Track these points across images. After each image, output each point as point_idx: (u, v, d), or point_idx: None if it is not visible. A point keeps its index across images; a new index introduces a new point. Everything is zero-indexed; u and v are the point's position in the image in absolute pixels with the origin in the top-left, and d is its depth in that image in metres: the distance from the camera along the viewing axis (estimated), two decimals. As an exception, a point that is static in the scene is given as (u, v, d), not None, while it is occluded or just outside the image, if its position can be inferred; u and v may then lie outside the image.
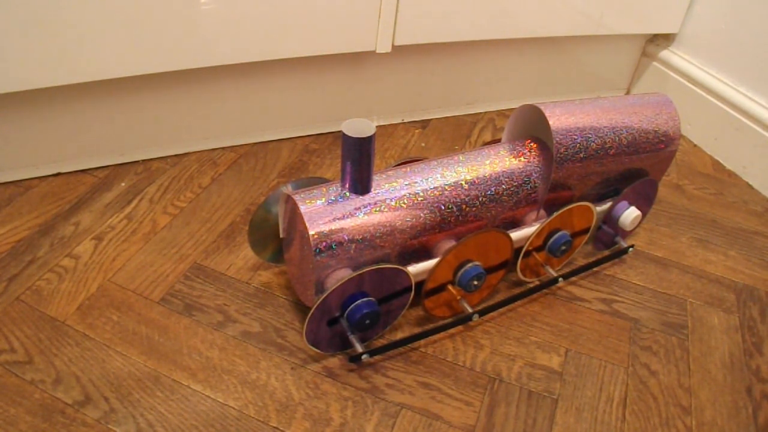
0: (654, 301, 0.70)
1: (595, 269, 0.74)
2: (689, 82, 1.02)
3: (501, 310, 0.67)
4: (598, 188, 0.68)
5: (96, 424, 0.52)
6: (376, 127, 0.81)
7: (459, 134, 0.97)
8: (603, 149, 0.64)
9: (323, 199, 0.55)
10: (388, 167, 0.61)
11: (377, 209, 0.56)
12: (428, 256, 0.61)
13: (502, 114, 1.04)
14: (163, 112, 0.80)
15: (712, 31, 0.98)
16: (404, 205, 0.57)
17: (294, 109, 0.88)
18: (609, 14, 0.95)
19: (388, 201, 0.57)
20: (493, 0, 0.85)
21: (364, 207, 0.56)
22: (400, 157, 0.89)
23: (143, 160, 0.82)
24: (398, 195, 0.58)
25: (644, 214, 0.73)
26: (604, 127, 0.65)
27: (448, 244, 0.61)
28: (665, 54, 1.06)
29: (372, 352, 0.58)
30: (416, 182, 0.59)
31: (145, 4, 0.67)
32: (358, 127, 0.52)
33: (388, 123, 0.97)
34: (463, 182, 0.60)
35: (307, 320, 0.54)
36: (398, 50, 0.86)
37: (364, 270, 0.54)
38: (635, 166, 0.69)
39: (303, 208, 0.54)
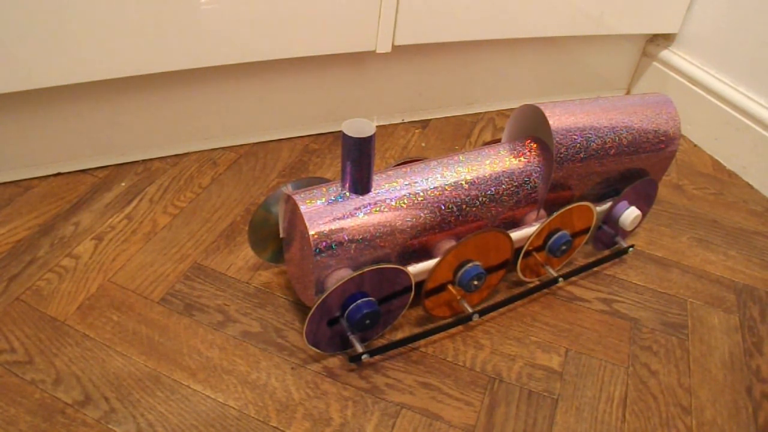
0: (654, 301, 0.70)
1: (595, 269, 0.74)
2: (689, 82, 1.02)
3: (501, 310, 0.67)
4: (598, 188, 0.68)
5: (96, 424, 0.52)
6: (376, 127, 0.81)
7: (459, 134, 0.97)
8: (603, 149, 0.64)
9: (323, 199, 0.55)
10: (388, 167, 0.61)
11: (377, 209, 0.56)
12: (428, 256, 0.61)
13: (502, 114, 1.04)
14: (163, 112, 0.80)
15: (712, 31, 0.98)
16: (404, 205, 0.57)
17: (294, 109, 0.88)
18: (609, 14, 0.95)
19: (388, 201, 0.57)
20: (493, 0, 0.85)
21: (364, 207, 0.56)
22: (400, 157, 0.89)
23: (143, 160, 0.82)
24: (398, 195, 0.58)
25: (644, 214, 0.73)
26: (604, 127, 0.65)
27: (448, 244, 0.61)
28: (665, 54, 1.06)
29: (372, 352, 0.58)
30: (416, 182, 0.59)
31: (145, 4, 0.67)
32: (358, 127, 0.52)
33: (388, 123, 0.97)
34: (463, 182, 0.60)
35: (307, 320, 0.54)
36: (398, 50, 0.86)
37: (364, 270, 0.54)
38: (635, 166, 0.69)
39: (303, 208, 0.54)
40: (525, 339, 0.64)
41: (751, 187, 0.93)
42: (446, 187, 0.60)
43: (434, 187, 0.59)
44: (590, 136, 0.64)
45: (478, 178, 0.61)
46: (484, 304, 0.65)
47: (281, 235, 0.63)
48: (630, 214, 0.69)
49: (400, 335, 0.63)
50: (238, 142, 0.88)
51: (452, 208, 0.60)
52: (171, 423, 0.52)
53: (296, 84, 0.86)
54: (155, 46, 0.70)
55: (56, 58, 0.66)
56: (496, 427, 0.55)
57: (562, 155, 0.62)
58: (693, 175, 0.94)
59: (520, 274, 0.67)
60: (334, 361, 0.59)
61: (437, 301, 0.62)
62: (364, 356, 0.57)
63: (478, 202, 0.61)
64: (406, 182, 0.59)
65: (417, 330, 0.63)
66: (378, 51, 0.84)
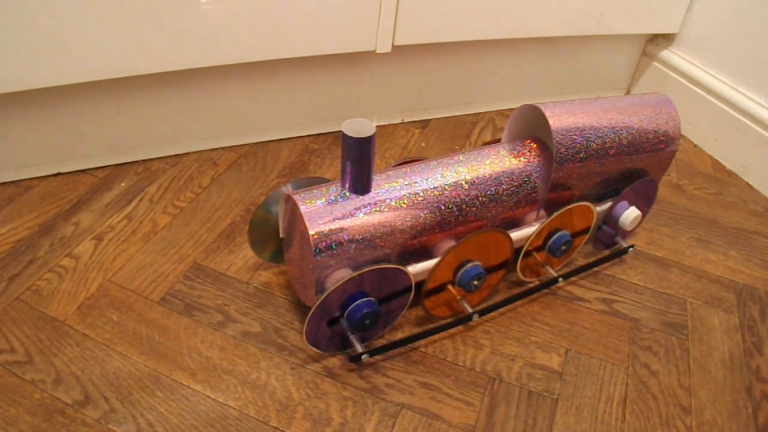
0: (654, 301, 0.70)
1: (595, 269, 0.74)
2: (689, 82, 1.02)
3: (501, 310, 0.67)
4: (598, 188, 0.68)
5: (96, 424, 0.52)
6: (376, 127, 0.81)
7: (459, 134, 0.97)
8: (603, 149, 0.64)
9: (323, 199, 0.55)
10: (388, 167, 0.61)
11: (377, 209, 0.56)
12: (428, 256, 0.61)
13: (502, 114, 1.04)
14: (163, 112, 0.80)
15: (712, 31, 0.98)
16: (404, 205, 0.57)
17: (294, 109, 0.88)
18: (609, 14, 0.95)
19: (388, 201, 0.57)
20: (492, 0, 0.85)
21: (364, 207, 0.56)
22: (400, 157, 0.89)
23: (143, 160, 0.82)
24: (398, 195, 0.58)
25: (644, 214, 0.73)
26: (604, 127, 0.65)
27: (448, 244, 0.61)
28: (665, 54, 1.06)
29: (372, 352, 0.58)
30: (416, 182, 0.59)
31: (145, 3, 0.67)
32: (358, 127, 0.52)
33: (388, 123, 0.97)
34: (463, 182, 0.60)
35: (307, 320, 0.54)
36: (398, 50, 0.86)
37: (364, 270, 0.54)
38: (635, 166, 0.69)
39: (303, 208, 0.54)
40: (525, 339, 0.64)
41: (751, 187, 0.93)
42: (446, 187, 0.60)
43: (434, 187, 0.59)
44: (590, 136, 0.64)
45: (478, 178, 0.61)
46: (484, 304, 0.65)
47: (281, 235, 0.63)
48: (630, 214, 0.69)
49: (400, 335, 0.63)
50: (238, 142, 0.88)
51: (452, 208, 0.60)
52: (171, 423, 0.52)
53: (296, 84, 0.86)
54: (154, 46, 0.70)
55: (55, 58, 0.66)
56: (496, 427, 0.55)
57: (562, 155, 0.62)
58: (693, 175, 0.94)
59: (520, 274, 0.67)
60: (334, 361, 0.59)
61: (437, 301, 0.62)
62: (364, 356, 0.57)
63: (478, 202, 0.61)
64: (406, 182, 0.59)
65: (417, 330, 0.63)
66: (378, 51, 0.84)
